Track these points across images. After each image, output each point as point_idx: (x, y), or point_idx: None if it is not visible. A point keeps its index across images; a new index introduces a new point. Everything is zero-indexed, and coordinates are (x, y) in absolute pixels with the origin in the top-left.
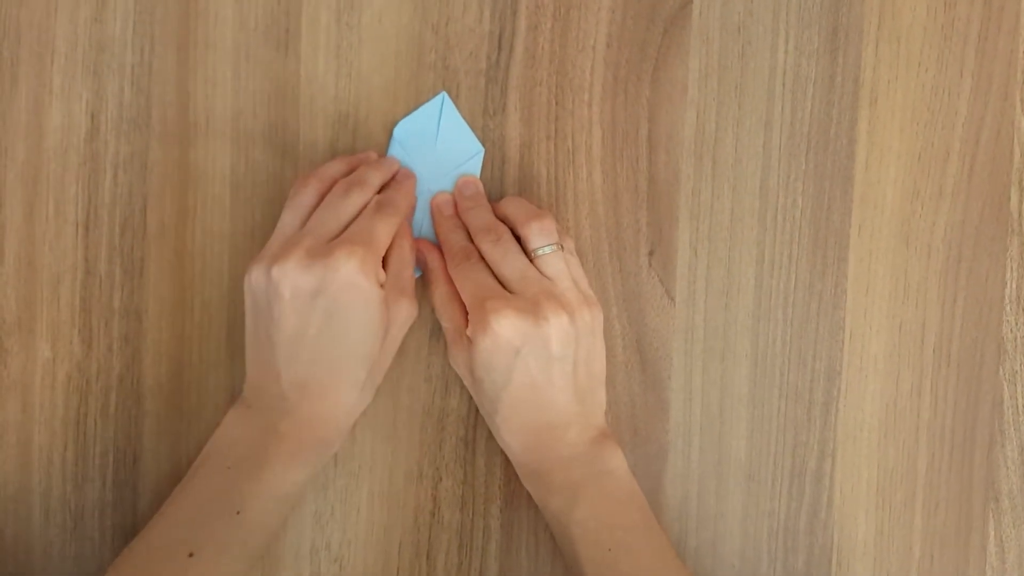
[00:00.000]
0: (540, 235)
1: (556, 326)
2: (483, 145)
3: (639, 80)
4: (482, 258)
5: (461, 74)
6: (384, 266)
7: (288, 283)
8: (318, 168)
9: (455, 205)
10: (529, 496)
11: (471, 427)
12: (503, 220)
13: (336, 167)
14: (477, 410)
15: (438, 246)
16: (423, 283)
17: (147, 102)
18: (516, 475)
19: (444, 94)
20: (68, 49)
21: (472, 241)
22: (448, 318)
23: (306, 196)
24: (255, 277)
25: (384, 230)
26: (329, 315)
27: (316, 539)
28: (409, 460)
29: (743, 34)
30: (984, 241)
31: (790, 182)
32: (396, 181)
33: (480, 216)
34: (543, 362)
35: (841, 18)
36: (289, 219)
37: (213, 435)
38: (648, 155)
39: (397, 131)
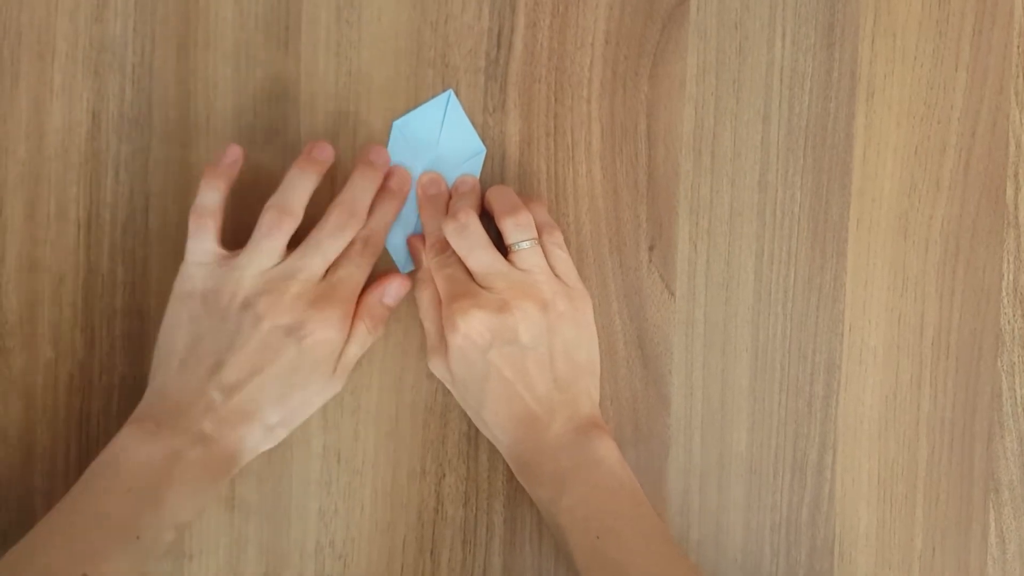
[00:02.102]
0: (516, 230)
1: (523, 317)
2: (484, 145)
3: (637, 76)
4: None
5: (460, 71)
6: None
7: (270, 320)
8: (284, 196)
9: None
10: None
11: (473, 424)
12: (489, 211)
13: (306, 195)
14: None
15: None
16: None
17: (148, 101)
18: None
19: (451, 92)
20: (69, 49)
21: None
22: (432, 321)
23: (282, 239)
24: (224, 296)
25: (364, 276)
26: (297, 355)
27: (320, 537)
28: (412, 457)
29: (740, 30)
30: (981, 234)
31: (788, 176)
32: (387, 192)
33: (455, 204)
34: (515, 353)
35: (837, 13)
36: (266, 258)
37: (111, 447)
38: (647, 151)
39: (400, 125)
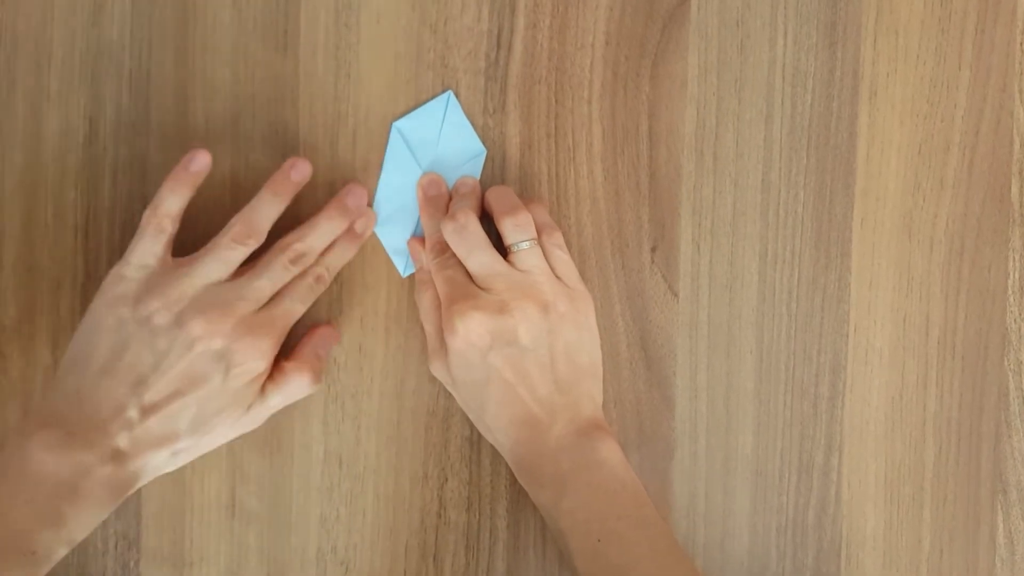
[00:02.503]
0: (515, 230)
1: (523, 319)
2: (485, 147)
3: (638, 76)
4: None
5: (460, 73)
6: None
7: (204, 344)
8: (252, 215)
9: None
10: None
11: (476, 427)
12: (488, 212)
13: (270, 219)
14: None
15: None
16: (410, 281)
17: (145, 106)
18: None
19: (450, 93)
20: (65, 54)
21: None
22: (429, 324)
23: (237, 256)
24: (156, 308)
25: (304, 308)
26: (217, 385)
27: (322, 543)
28: (414, 462)
29: (742, 29)
30: (986, 232)
31: (792, 176)
32: (351, 236)
33: (454, 205)
34: (516, 355)
35: (839, 12)
36: (214, 270)
37: (14, 447)
38: (649, 151)
39: (400, 126)
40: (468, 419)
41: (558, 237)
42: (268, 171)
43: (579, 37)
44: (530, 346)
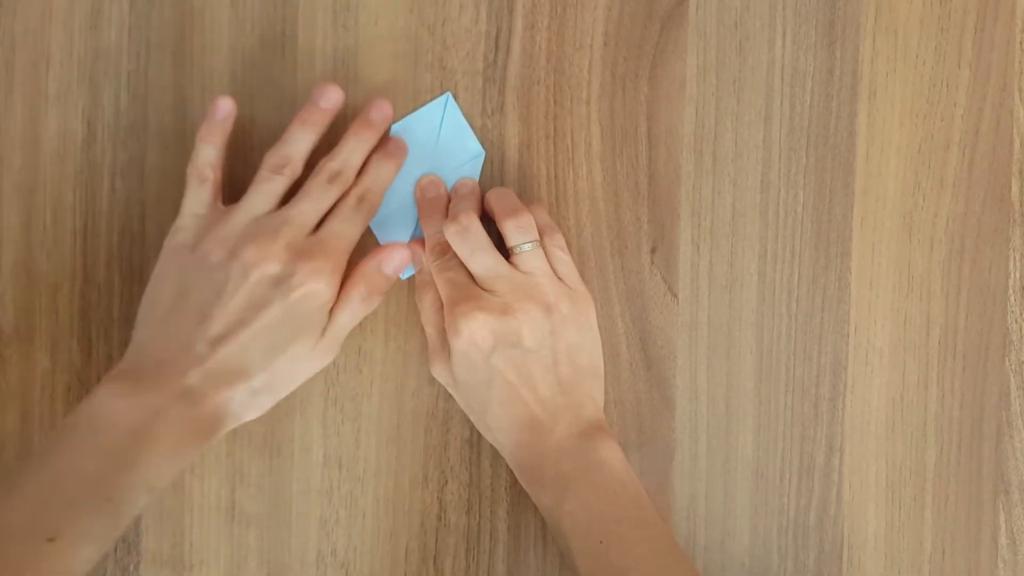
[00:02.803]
0: (517, 232)
1: (527, 320)
2: (484, 148)
3: (637, 77)
4: None
5: (458, 74)
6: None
7: (259, 271)
8: (285, 147)
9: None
10: None
11: (475, 430)
12: (489, 213)
13: (307, 146)
14: None
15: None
16: (410, 283)
17: (144, 109)
18: None
19: (448, 94)
20: (63, 56)
21: None
22: (434, 325)
23: (280, 184)
24: (210, 247)
25: (357, 232)
26: (284, 308)
27: (322, 545)
28: (414, 464)
29: (740, 29)
30: (986, 232)
31: (791, 176)
32: (384, 153)
33: (455, 207)
34: (519, 357)
35: (838, 11)
36: (259, 204)
37: (84, 404)
38: (648, 152)
39: (399, 128)
40: (468, 421)
41: (559, 239)
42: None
43: (577, 38)
44: (533, 348)
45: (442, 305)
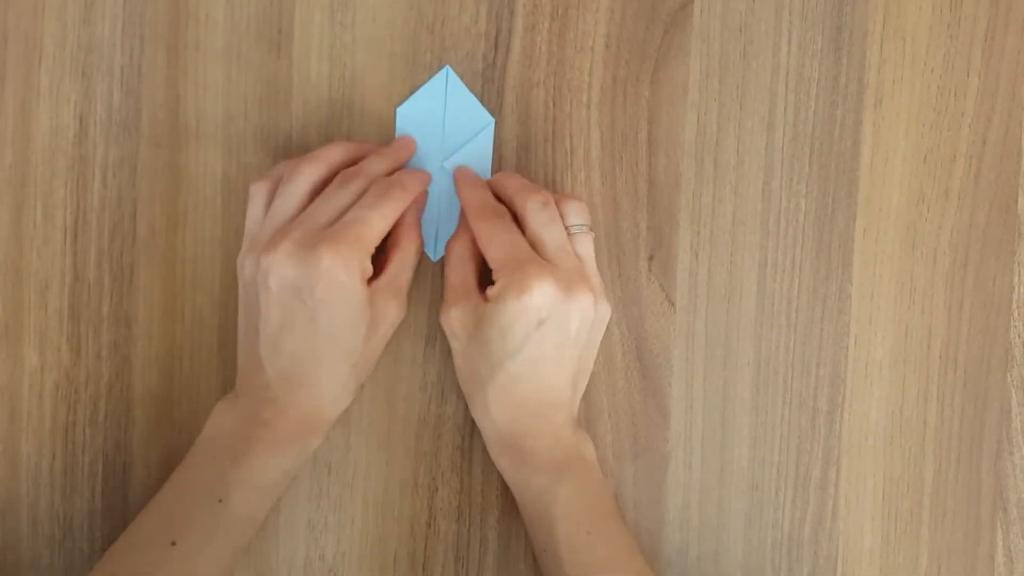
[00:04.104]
0: (577, 214)
1: (580, 308)
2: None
3: (638, 81)
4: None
5: (457, 75)
6: (386, 259)
7: (275, 275)
8: (315, 152)
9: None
10: None
11: (467, 436)
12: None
13: (335, 154)
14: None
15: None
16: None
17: (136, 105)
18: None
19: (448, 68)
20: (56, 51)
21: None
22: (459, 273)
23: (301, 184)
24: (246, 266)
25: (380, 220)
26: (311, 310)
27: (310, 550)
28: (404, 470)
29: (745, 34)
30: (991, 244)
31: (793, 184)
32: (405, 168)
33: (521, 179)
34: (559, 340)
35: (845, 17)
36: (281, 206)
37: (204, 426)
38: (648, 158)
39: (404, 111)
40: (459, 428)
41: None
42: (260, 172)
43: (579, 40)
44: (573, 336)
45: (474, 254)
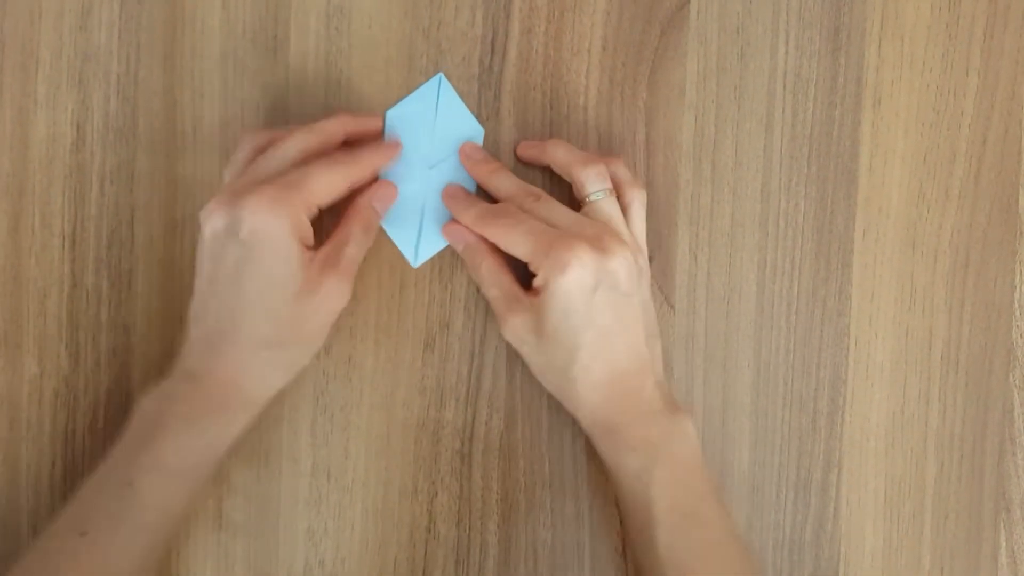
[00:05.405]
0: (596, 179)
1: (621, 261)
2: (482, 126)
3: (636, 83)
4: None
5: (454, 79)
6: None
7: (209, 225)
8: (316, 123)
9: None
10: (527, 511)
11: (467, 440)
12: (551, 165)
13: (333, 128)
14: (473, 422)
15: (460, 226)
16: (461, 263)
17: (133, 112)
18: (513, 489)
19: (441, 75)
20: (52, 58)
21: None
22: (499, 286)
23: (290, 150)
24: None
25: (323, 181)
26: (237, 260)
27: (309, 556)
28: (404, 475)
29: (742, 35)
30: (992, 244)
31: (792, 186)
32: (374, 144)
33: (510, 180)
34: (616, 300)
35: (843, 17)
36: (263, 166)
37: None
38: (646, 159)
39: (394, 115)
40: (459, 432)
41: (641, 195)
42: None
43: (575, 43)
44: (626, 291)
45: (503, 265)
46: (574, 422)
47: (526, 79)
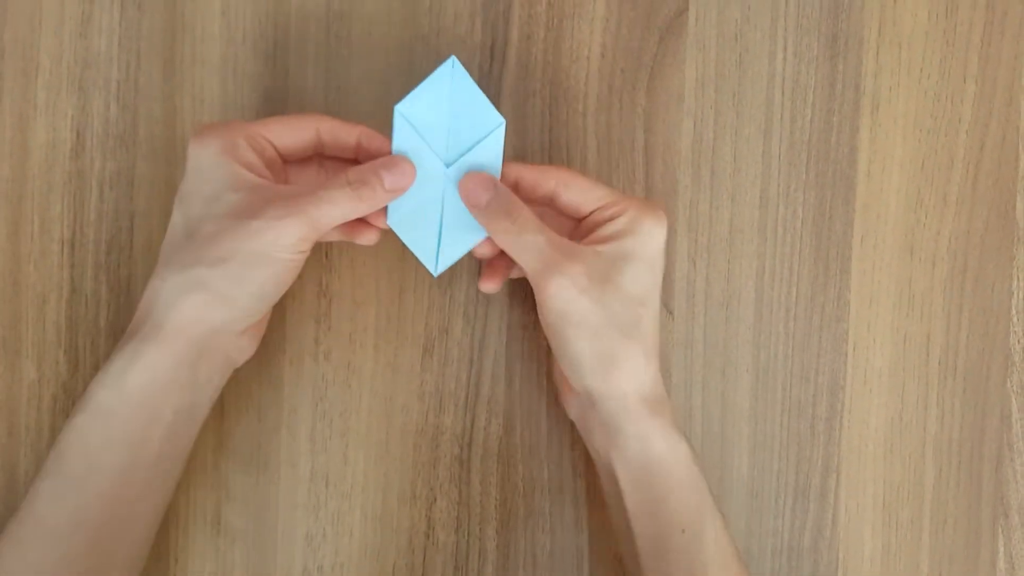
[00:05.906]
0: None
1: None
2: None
3: (634, 90)
4: None
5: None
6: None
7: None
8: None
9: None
10: (526, 516)
11: (466, 446)
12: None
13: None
14: (472, 427)
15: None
16: (459, 267)
17: (133, 118)
18: (512, 495)
19: (453, 58)
20: (53, 65)
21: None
22: (545, 232)
23: (304, 132)
24: None
25: (283, 121)
26: (181, 192)
27: (308, 562)
28: (402, 481)
29: (740, 42)
30: (990, 250)
31: (790, 192)
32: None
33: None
34: (661, 271)
35: (841, 24)
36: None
37: None
38: (644, 166)
39: (403, 109)
40: (458, 438)
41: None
42: None
43: (574, 49)
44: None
45: (542, 225)
46: (573, 427)
47: (525, 86)
